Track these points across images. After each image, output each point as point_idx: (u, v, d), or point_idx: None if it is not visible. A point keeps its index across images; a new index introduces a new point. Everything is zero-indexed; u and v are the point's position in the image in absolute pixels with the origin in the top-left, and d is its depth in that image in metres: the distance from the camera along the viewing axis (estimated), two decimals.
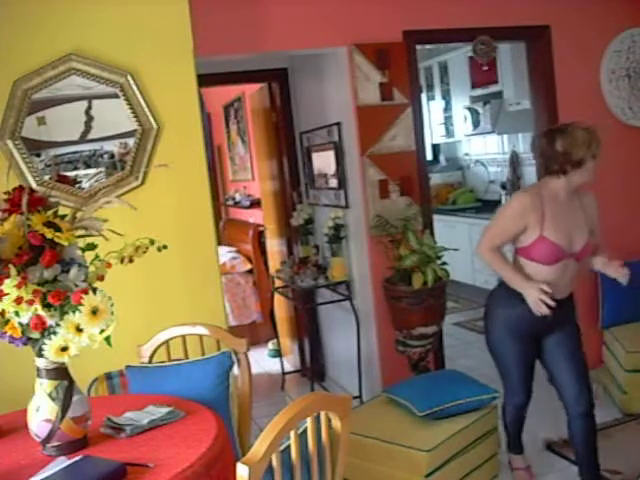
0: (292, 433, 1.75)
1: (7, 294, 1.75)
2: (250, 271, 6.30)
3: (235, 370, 2.60)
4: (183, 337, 2.81)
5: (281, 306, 5.24)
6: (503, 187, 6.38)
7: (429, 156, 7.16)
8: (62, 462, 1.82)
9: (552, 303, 2.69)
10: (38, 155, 3.02)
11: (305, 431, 1.83)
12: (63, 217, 1.93)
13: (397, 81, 3.92)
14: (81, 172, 3.06)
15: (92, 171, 3.07)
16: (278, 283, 4.90)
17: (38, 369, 1.92)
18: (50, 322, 1.82)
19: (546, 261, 2.77)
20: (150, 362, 2.75)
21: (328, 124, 4.25)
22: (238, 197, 7.14)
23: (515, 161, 6.23)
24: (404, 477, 2.95)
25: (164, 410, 2.11)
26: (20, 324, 1.82)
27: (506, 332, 2.91)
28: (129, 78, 3.04)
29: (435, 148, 7.75)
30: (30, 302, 1.77)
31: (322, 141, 4.38)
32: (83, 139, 3.05)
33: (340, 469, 1.97)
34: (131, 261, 1.98)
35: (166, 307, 3.14)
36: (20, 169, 2.97)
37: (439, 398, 3.12)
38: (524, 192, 2.95)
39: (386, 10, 3.89)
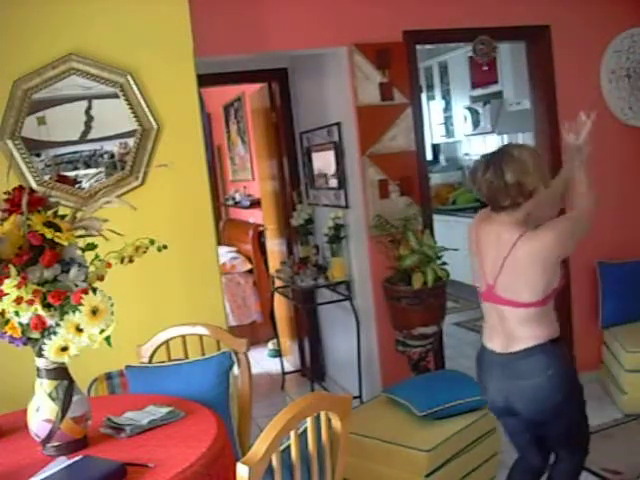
0: (292, 433, 1.75)
1: (7, 294, 1.75)
2: (250, 271, 6.30)
3: (235, 370, 2.60)
4: (183, 337, 2.81)
5: (281, 306, 5.23)
6: None
7: (429, 156, 7.16)
8: (62, 462, 1.82)
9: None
10: (38, 155, 3.02)
11: (305, 431, 1.83)
12: (63, 217, 1.93)
13: (397, 81, 3.92)
14: (81, 172, 3.06)
15: (92, 171, 3.08)
16: (278, 283, 4.90)
17: (38, 369, 1.92)
18: (50, 322, 1.82)
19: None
20: (150, 362, 2.75)
21: (328, 124, 4.24)
22: (238, 197, 7.14)
23: None
24: (404, 477, 2.95)
25: (164, 410, 2.12)
26: (20, 324, 1.82)
27: None
28: (129, 78, 3.04)
29: (435, 148, 7.75)
30: (30, 302, 1.77)
31: (322, 141, 4.37)
32: (83, 139, 3.06)
33: (340, 469, 1.97)
34: (131, 261, 1.99)
35: (166, 307, 3.14)
36: (20, 169, 2.97)
37: (439, 398, 3.12)
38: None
39: (386, 10, 3.89)
